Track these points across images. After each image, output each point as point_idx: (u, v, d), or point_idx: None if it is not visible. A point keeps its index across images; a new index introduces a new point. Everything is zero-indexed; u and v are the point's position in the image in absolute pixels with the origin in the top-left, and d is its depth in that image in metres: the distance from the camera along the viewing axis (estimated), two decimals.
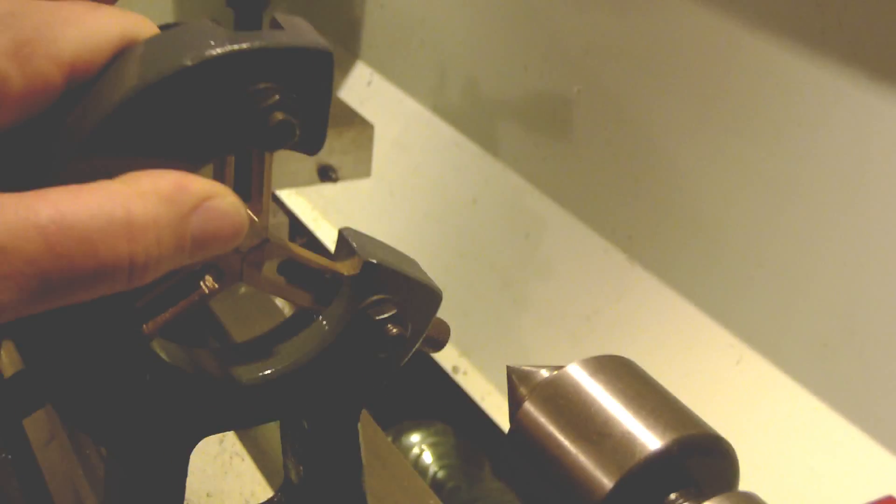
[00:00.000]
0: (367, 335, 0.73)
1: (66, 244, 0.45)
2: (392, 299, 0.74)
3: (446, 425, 1.33)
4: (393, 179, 1.54)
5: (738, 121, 1.12)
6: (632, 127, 1.25)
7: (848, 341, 1.05)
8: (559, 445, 0.51)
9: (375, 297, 0.74)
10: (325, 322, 0.74)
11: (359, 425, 0.80)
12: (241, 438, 1.06)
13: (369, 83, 1.69)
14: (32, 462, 0.91)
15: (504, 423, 1.30)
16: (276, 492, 0.83)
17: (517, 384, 0.55)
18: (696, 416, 0.51)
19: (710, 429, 0.51)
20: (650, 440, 0.49)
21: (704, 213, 1.17)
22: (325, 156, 1.23)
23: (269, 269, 0.74)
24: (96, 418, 0.69)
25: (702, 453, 0.50)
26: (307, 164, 1.23)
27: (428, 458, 1.27)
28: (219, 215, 0.52)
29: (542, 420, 0.52)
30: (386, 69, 1.68)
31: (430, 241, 1.48)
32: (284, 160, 1.21)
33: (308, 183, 1.24)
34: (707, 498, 0.48)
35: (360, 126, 1.23)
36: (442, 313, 1.26)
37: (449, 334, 0.82)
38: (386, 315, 0.73)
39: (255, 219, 0.68)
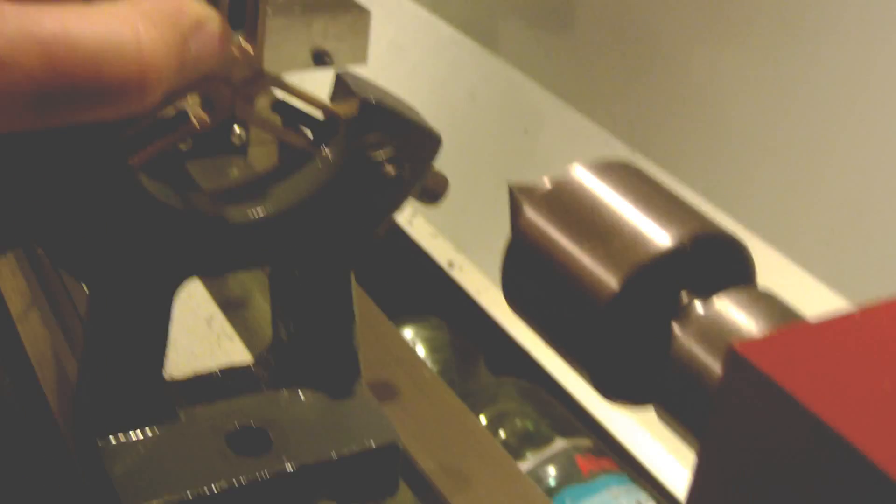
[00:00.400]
0: (363, 176, 0.71)
1: (69, 63, 0.44)
2: (390, 140, 0.71)
3: (441, 320, 1.30)
4: (391, 80, 1.50)
5: (745, 6, 1.09)
6: (633, 14, 1.21)
7: (857, 227, 1.03)
8: (563, 249, 0.48)
9: (373, 137, 0.71)
10: (320, 163, 0.71)
11: (352, 277, 0.77)
12: (230, 319, 1.03)
13: None
14: (12, 330, 0.89)
15: (501, 317, 1.28)
16: (266, 350, 0.80)
17: (518, 197, 0.52)
18: (709, 216, 0.48)
19: (724, 228, 0.48)
20: (661, 237, 0.46)
21: (708, 99, 1.14)
22: (320, 41, 1.20)
23: (265, 108, 0.71)
24: (80, 253, 0.66)
25: (716, 251, 0.47)
26: (302, 48, 1.19)
27: (422, 352, 1.25)
28: (211, 40, 0.52)
29: (545, 225, 0.49)
30: None
31: None
32: (278, 43, 1.18)
33: (303, 67, 1.20)
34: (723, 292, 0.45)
35: (355, 12, 1.19)
36: (437, 209, 1.24)
37: (447, 187, 0.79)
38: (383, 155, 0.70)
39: (250, 49, 0.65)
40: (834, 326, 0.40)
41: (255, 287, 1.07)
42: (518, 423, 1.18)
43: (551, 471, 1.11)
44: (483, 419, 1.19)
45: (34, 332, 0.89)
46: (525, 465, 1.12)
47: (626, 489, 1.09)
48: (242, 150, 1.20)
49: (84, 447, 0.73)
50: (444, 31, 1.47)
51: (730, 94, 1.11)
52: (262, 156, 1.21)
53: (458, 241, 1.38)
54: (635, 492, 1.08)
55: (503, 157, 1.36)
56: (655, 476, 1.14)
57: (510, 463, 0.84)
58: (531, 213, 0.50)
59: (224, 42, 0.53)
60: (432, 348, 1.27)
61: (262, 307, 1.06)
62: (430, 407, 0.87)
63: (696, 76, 1.15)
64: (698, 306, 0.45)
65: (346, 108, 0.70)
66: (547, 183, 0.51)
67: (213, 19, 0.52)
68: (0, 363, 0.92)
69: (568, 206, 0.49)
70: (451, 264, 1.35)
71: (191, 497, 0.70)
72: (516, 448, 1.15)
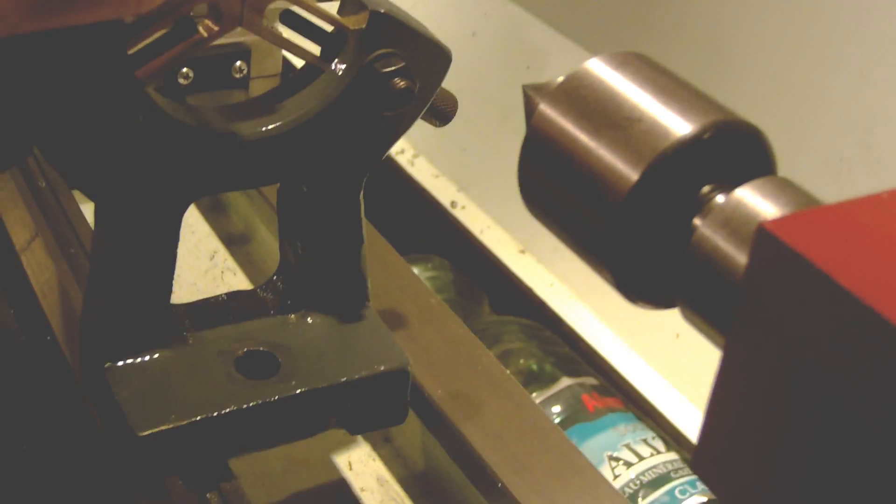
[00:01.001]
0: (373, 90, 0.70)
1: None
2: (400, 54, 0.70)
3: (444, 260, 1.29)
4: None
5: None
6: None
7: (864, 157, 1.01)
8: (580, 141, 0.46)
9: (382, 51, 0.70)
10: (329, 77, 0.70)
11: (361, 198, 0.76)
12: (234, 253, 1.02)
13: None
14: (15, 260, 0.88)
15: (504, 256, 1.27)
16: (273, 275, 0.79)
17: (532, 96, 0.51)
18: (731, 109, 0.47)
19: (745, 118, 0.46)
20: (681, 125, 0.44)
21: (716, 32, 1.12)
22: None
23: (272, 20, 0.70)
24: (87, 167, 0.65)
25: (737, 141, 0.45)
26: None
27: None
28: None
29: (562, 116, 0.47)
30: None
31: None
32: None
33: None
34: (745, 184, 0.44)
35: None
36: (439, 149, 1.22)
37: (456, 107, 0.78)
38: (393, 68, 0.69)
39: None
40: (861, 206, 0.39)
41: (258, 222, 1.06)
42: (523, 362, 1.16)
43: (557, 409, 1.10)
44: None
45: (38, 262, 0.88)
46: None
47: (633, 427, 1.08)
48: (244, 83, 1.18)
49: (91, 372, 0.72)
50: None
51: (736, 28, 1.10)
52: (265, 89, 1.20)
53: (461, 181, 1.37)
54: (642, 430, 1.08)
55: (506, 95, 1.34)
56: (662, 414, 1.13)
57: (519, 390, 0.84)
58: (545, 108, 0.48)
59: None
60: (436, 288, 1.26)
61: (265, 242, 1.05)
62: (438, 335, 0.86)
63: (703, 9, 1.13)
64: (720, 198, 0.44)
65: (355, 21, 0.69)
66: (561, 79, 0.50)
67: None
68: (3, 293, 0.90)
69: (583, 97, 0.47)
70: (453, 204, 1.34)
71: (199, 420, 0.69)
72: (522, 387, 1.14)
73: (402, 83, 0.69)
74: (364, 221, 0.77)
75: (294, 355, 0.74)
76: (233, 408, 0.70)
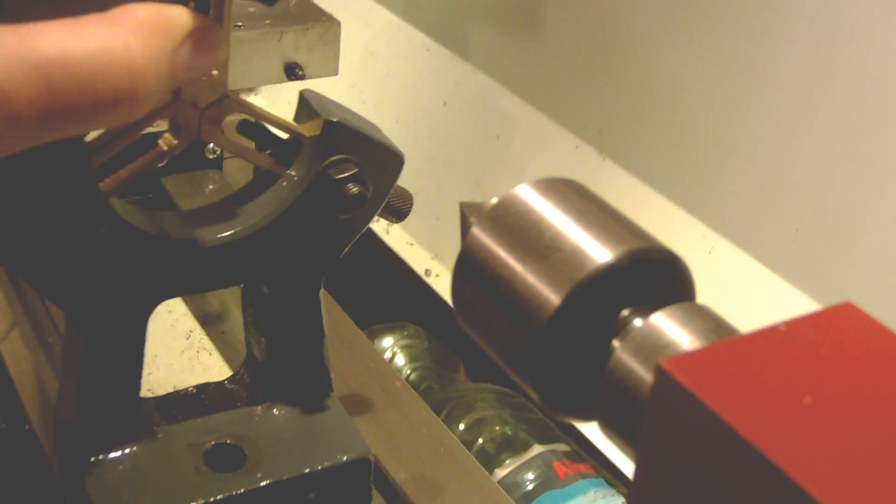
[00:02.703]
0: (327, 195, 0.72)
1: (66, 84, 0.45)
2: (353, 159, 0.73)
3: (419, 328, 1.32)
4: (364, 87, 1.52)
5: (710, 7, 1.10)
6: (602, 19, 1.23)
7: (820, 225, 1.04)
8: (507, 265, 0.49)
9: (336, 157, 0.73)
10: (285, 183, 0.73)
11: (321, 295, 0.78)
12: (209, 333, 1.05)
13: None
14: None
15: None
16: (240, 368, 0.82)
17: (468, 215, 0.54)
18: (650, 234, 0.50)
19: (663, 244, 0.49)
20: (600, 253, 0.47)
21: (675, 105, 1.15)
22: (291, 53, 1.21)
23: (230, 131, 0.73)
24: (53, 277, 0.68)
25: (655, 268, 0.48)
26: (273, 61, 1.21)
27: (401, 360, 1.26)
28: (203, 47, 0.53)
29: (490, 241, 0.50)
30: None
31: (401, 145, 1.46)
32: (250, 57, 1.19)
33: (275, 81, 1.22)
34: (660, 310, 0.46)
35: (326, 23, 1.21)
36: (414, 218, 1.25)
37: (411, 203, 0.80)
38: (346, 174, 0.72)
39: (214, 73, 0.67)
40: (759, 341, 0.41)
41: (232, 302, 1.09)
42: (497, 429, 1.19)
43: (530, 476, 1.12)
44: (462, 426, 1.21)
45: (16, 352, 0.91)
46: (504, 471, 1.13)
47: (604, 493, 1.10)
48: (217, 163, 1.21)
49: (65, 464, 0.74)
50: (417, 38, 1.48)
51: (697, 99, 1.13)
52: (238, 169, 1.22)
53: (435, 249, 1.39)
54: (612, 496, 1.10)
55: (477, 163, 1.37)
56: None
57: (481, 473, 0.86)
58: (476, 231, 0.51)
59: (215, 47, 0.54)
60: (411, 356, 1.28)
61: (239, 321, 1.08)
62: (403, 418, 0.88)
63: (665, 81, 1.16)
64: (637, 322, 0.47)
65: (309, 129, 0.72)
66: (495, 200, 0.53)
67: (203, 26, 0.53)
68: None
69: (511, 223, 0.50)
70: (427, 272, 1.36)
71: None
72: (495, 454, 1.16)
73: (355, 188, 0.72)
74: (330, 302, 0.80)
75: (260, 447, 0.77)
76: (201, 502, 0.72)
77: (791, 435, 0.36)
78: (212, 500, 0.73)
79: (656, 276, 0.48)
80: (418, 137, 1.46)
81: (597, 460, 1.17)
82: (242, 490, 0.74)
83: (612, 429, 0.46)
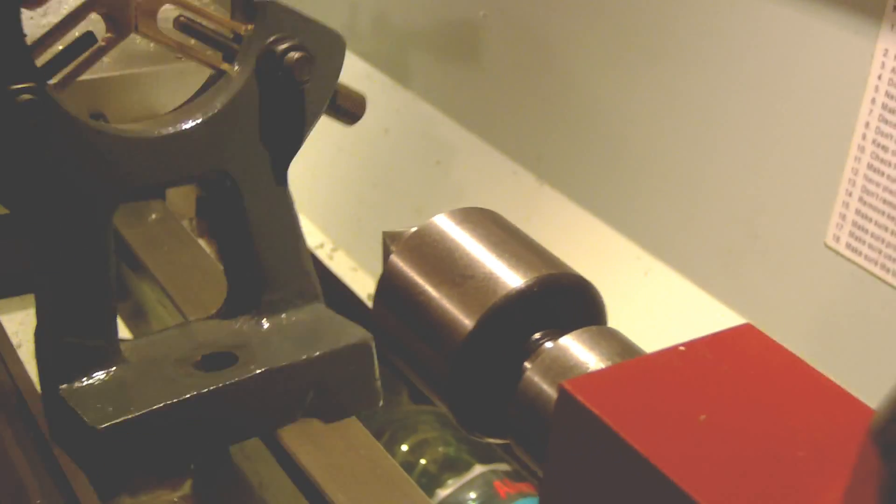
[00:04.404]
0: (273, 72, 0.73)
1: None
2: (292, 36, 0.73)
3: None
4: None
5: (637, 35, 1.12)
6: (537, 48, 1.25)
7: (750, 246, 1.06)
8: (424, 291, 0.51)
9: (275, 36, 0.73)
10: (232, 72, 0.73)
11: (289, 192, 0.77)
12: None
13: None
14: None
15: None
16: (224, 302, 0.80)
17: (388, 244, 0.56)
18: (561, 260, 0.52)
19: (573, 270, 0.51)
20: (512, 279, 0.49)
21: (612, 131, 1.17)
22: None
23: (168, 28, 0.74)
24: (11, 183, 0.67)
25: (565, 293, 0.50)
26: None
27: None
28: None
29: (408, 269, 0.52)
30: (298, 8, 1.67)
31: (343, 172, 1.48)
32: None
33: None
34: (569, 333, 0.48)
35: None
36: (357, 243, 1.26)
37: (364, 105, 0.81)
38: (286, 44, 0.72)
39: None
40: (660, 361, 0.43)
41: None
42: (439, 450, 1.20)
43: (472, 495, 1.14)
44: (405, 447, 1.22)
45: None
46: (446, 491, 1.15)
47: None
48: (161, 193, 1.22)
49: (51, 396, 0.72)
50: (358, 65, 1.50)
51: (633, 126, 1.15)
52: (181, 197, 1.23)
53: (378, 275, 1.40)
54: None
55: (418, 188, 1.39)
56: None
57: (419, 495, 0.87)
58: (395, 258, 0.53)
59: None
60: None
61: None
62: (341, 440, 0.89)
63: (601, 109, 1.18)
64: (548, 345, 0.49)
65: (244, 18, 0.73)
66: (414, 229, 0.55)
67: None
68: None
69: (428, 251, 0.52)
70: (371, 297, 1.38)
71: (159, 409, 0.69)
72: (437, 475, 1.17)
73: (297, 55, 0.72)
74: None
75: (253, 350, 0.75)
76: (192, 394, 0.70)
77: (686, 451, 0.38)
78: (204, 391, 0.70)
79: (566, 301, 0.50)
80: (361, 164, 1.47)
81: (537, 479, 1.18)
82: (236, 380, 0.71)
83: (523, 447, 0.48)
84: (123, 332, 1.11)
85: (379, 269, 1.40)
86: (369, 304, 1.37)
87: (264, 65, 0.73)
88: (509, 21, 1.27)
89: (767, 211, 1.04)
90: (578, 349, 0.47)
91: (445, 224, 0.53)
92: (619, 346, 0.47)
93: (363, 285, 1.39)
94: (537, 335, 0.49)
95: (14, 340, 0.91)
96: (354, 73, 1.49)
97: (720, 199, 1.08)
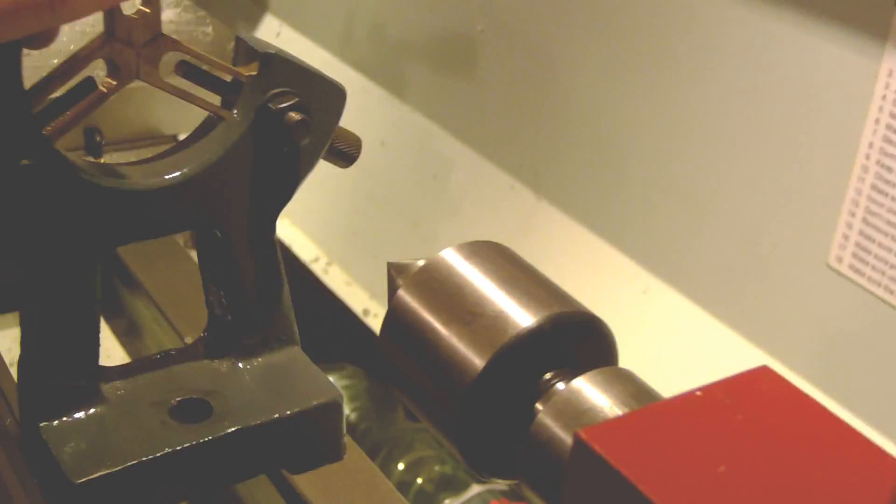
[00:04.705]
0: (270, 128, 0.72)
1: None
2: (293, 91, 0.73)
3: (358, 368, 1.32)
4: None
5: (638, 51, 1.11)
6: (534, 63, 1.24)
7: (752, 265, 1.05)
8: (432, 329, 0.50)
9: (276, 91, 0.73)
10: (229, 123, 0.73)
11: (275, 241, 0.77)
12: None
13: (278, 34, 1.67)
14: None
15: None
16: (202, 331, 0.80)
17: (395, 277, 0.54)
18: (572, 297, 0.51)
19: (584, 308, 0.50)
20: (523, 318, 0.48)
21: (608, 146, 1.16)
22: None
23: (169, 73, 0.73)
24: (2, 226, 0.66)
25: (576, 332, 0.49)
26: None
27: None
28: None
29: (416, 305, 0.51)
30: (294, 20, 1.66)
31: (339, 185, 1.47)
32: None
33: None
34: (582, 374, 0.47)
35: None
36: (352, 257, 1.25)
37: (359, 147, 0.80)
38: (287, 103, 0.72)
39: (147, 11, 0.68)
40: (676, 407, 0.42)
41: (169, 345, 1.08)
42: (436, 468, 1.19)
43: None
44: (401, 465, 1.21)
45: None
46: None
47: None
48: None
49: (29, 431, 0.72)
50: (354, 78, 1.49)
51: (633, 142, 1.14)
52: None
53: (373, 289, 1.39)
54: None
55: (414, 203, 1.38)
56: None
57: None
58: (403, 293, 0.52)
59: None
60: (350, 396, 1.29)
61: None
62: (338, 465, 0.88)
63: (601, 124, 1.17)
64: (560, 386, 0.48)
65: (248, 69, 0.72)
66: (421, 262, 0.54)
67: None
68: None
69: (436, 287, 0.51)
70: (366, 312, 1.37)
71: (135, 465, 0.69)
72: (434, 494, 1.16)
73: (297, 116, 0.72)
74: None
75: (227, 399, 0.75)
76: (167, 451, 0.70)
77: (700, 501, 0.37)
78: (178, 448, 0.70)
79: (578, 340, 0.49)
80: (356, 177, 1.46)
81: None
82: (209, 438, 0.71)
83: (535, 491, 0.47)
84: (117, 349, 1.10)
85: (374, 284, 1.39)
86: (363, 319, 1.36)
87: (263, 118, 0.72)
88: (507, 35, 1.27)
89: (769, 230, 1.04)
90: (592, 392, 0.46)
91: (453, 258, 0.52)
92: (634, 389, 0.46)
93: (357, 299, 1.38)
94: (548, 375, 0.48)
95: (7, 358, 0.91)
96: (350, 86, 1.48)
97: (721, 216, 1.08)
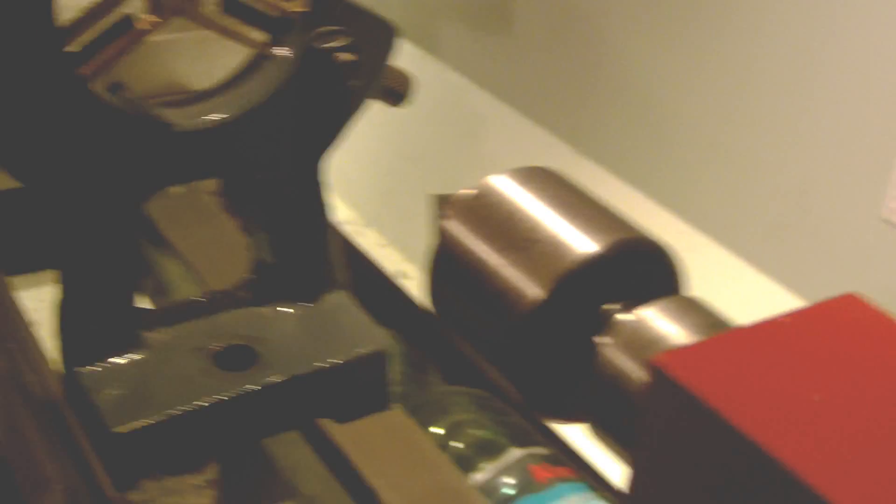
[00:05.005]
0: (319, 67, 0.70)
1: None
2: (343, 30, 0.70)
3: (393, 331, 1.28)
4: None
5: (687, 3, 1.08)
6: (574, 15, 1.20)
7: (801, 220, 1.02)
8: (485, 259, 0.46)
9: (325, 29, 0.70)
10: (276, 62, 0.71)
11: (322, 183, 0.75)
12: None
13: None
14: None
15: None
16: (247, 274, 0.78)
17: (440, 207, 0.51)
18: (635, 223, 0.47)
19: (651, 234, 0.46)
20: (584, 244, 0.44)
21: (652, 100, 1.13)
22: None
23: (215, 9, 0.71)
24: (42, 169, 0.65)
25: (641, 259, 0.45)
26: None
27: None
28: None
29: (466, 233, 0.47)
30: None
31: (371, 145, 1.44)
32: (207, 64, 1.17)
33: None
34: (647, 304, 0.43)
35: None
36: (386, 219, 1.22)
37: (409, 85, 0.78)
38: (336, 43, 0.70)
39: None
40: (759, 334, 0.39)
41: None
42: (473, 433, 1.16)
43: (507, 481, 1.10)
44: (438, 430, 1.18)
45: None
46: (481, 475, 1.11)
47: (584, 497, 1.07)
48: None
49: (70, 379, 0.71)
50: None
51: (675, 94, 1.11)
52: None
53: (408, 251, 1.36)
54: (593, 500, 1.07)
55: (449, 162, 1.35)
56: (614, 484, 1.13)
57: (461, 479, 0.83)
58: (452, 223, 0.48)
59: None
60: None
61: None
62: (378, 422, 0.85)
63: (640, 77, 1.14)
64: (623, 317, 0.44)
65: (297, 4, 0.70)
66: (468, 192, 0.50)
67: None
68: None
69: (487, 214, 0.47)
70: (401, 274, 1.33)
71: (176, 415, 0.67)
72: (471, 458, 1.13)
73: (346, 56, 0.69)
74: None
75: (272, 346, 0.73)
76: (210, 401, 0.68)
77: (800, 436, 0.34)
78: (222, 399, 0.68)
79: (642, 269, 0.45)
80: (389, 136, 1.43)
81: (577, 464, 1.14)
82: (254, 387, 0.70)
83: (605, 430, 0.43)
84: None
85: (409, 246, 1.36)
86: (397, 281, 1.33)
87: (311, 57, 0.69)
88: None
89: (818, 182, 1.00)
90: (661, 321, 0.42)
91: (505, 184, 0.48)
92: (708, 319, 0.42)
93: (392, 262, 1.35)
94: (611, 306, 0.44)
95: (34, 318, 0.89)
96: None
97: (767, 169, 1.04)
